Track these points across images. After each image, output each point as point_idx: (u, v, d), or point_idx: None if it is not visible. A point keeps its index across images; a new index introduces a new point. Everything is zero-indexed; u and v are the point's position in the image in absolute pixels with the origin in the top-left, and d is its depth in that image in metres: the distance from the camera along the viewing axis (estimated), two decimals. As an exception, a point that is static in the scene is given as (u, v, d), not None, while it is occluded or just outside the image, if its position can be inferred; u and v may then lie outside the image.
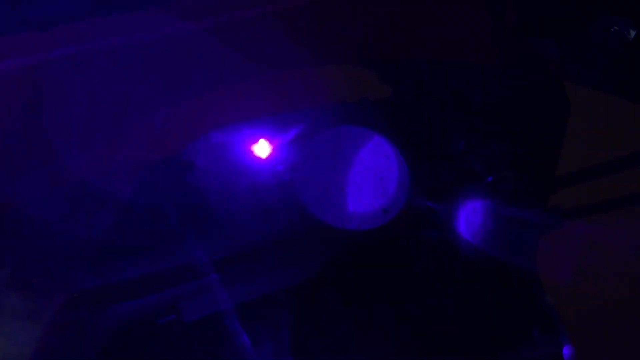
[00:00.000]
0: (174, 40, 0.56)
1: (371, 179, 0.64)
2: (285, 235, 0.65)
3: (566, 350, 0.63)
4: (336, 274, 0.65)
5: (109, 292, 0.63)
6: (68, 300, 0.62)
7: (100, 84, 0.55)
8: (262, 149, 0.63)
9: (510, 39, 0.62)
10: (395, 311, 0.64)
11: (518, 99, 0.65)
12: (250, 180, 0.64)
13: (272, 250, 0.66)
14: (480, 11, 0.61)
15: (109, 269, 0.62)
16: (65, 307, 0.62)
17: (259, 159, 0.63)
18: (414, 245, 0.67)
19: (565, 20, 0.60)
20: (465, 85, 0.65)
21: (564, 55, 0.62)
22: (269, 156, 0.63)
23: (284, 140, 0.63)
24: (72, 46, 0.53)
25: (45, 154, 0.57)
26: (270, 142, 0.63)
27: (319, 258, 0.66)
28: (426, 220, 0.67)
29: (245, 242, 0.65)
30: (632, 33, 0.57)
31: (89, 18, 0.54)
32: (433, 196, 0.66)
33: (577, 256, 0.66)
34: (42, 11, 0.53)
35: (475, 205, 0.66)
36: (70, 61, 0.54)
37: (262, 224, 0.65)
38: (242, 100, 0.61)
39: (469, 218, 0.66)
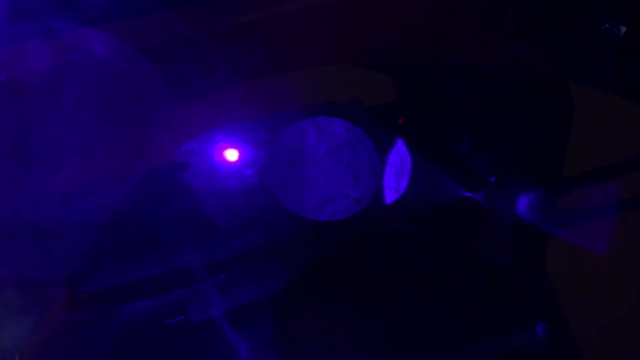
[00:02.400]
0: (168, 46, 0.58)
1: (341, 168, 0.65)
2: (280, 235, 0.66)
3: (540, 329, 0.62)
4: (322, 272, 0.65)
5: (117, 294, 0.63)
6: (76, 301, 0.62)
7: (92, 91, 0.57)
8: (238, 154, 0.64)
9: (509, 40, 0.64)
10: (372, 306, 0.63)
11: (520, 99, 0.67)
12: (231, 184, 0.65)
13: (273, 251, 0.66)
14: (478, 13, 0.63)
15: (117, 271, 0.63)
16: (72, 308, 0.62)
17: (235, 165, 0.65)
18: (393, 240, 0.68)
19: (556, 19, 0.62)
20: (468, 86, 0.67)
21: (557, 55, 0.64)
22: (246, 161, 0.65)
23: (260, 144, 0.65)
24: (65, 55, 0.56)
25: (43, 157, 0.58)
26: (247, 147, 0.64)
27: (304, 255, 0.66)
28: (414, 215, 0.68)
29: (245, 243, 0.65)
30: (622, 30, 0.60)
31: (79, 28, 0.56)
32: (436, 193, 0.67)
33: (583, 256, 0.66)
34: (37, 22, 0.55)
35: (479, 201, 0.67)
36: (63, 70, 0.56)
37: (248, 225, 0.66)
38: (233, 103, 0.63)
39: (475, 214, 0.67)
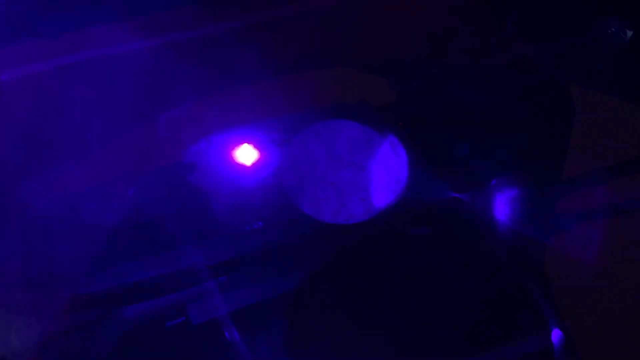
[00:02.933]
0: (172, 46, 0.57)
1: (357, 172, 0.64)
2: (281, 237, 0.66)
3: (555, 336, 0.62)
4: (332, 274, 0.66)
5: (117, 295, 0.63)
6: (77, 302, 0.62)
7: (102, 90, 0.57)
8: (247, 154, 0.64)
9: (512, 42, 0.63)
10: (387, 307, 0.64)
11: (521, 103, 0.66)
12: (239, 185, 0.65)
13: (274, 253, 0.66)
14: (482, 15, 0.62)
15: (117, 272, 0.63)
16: (74, 309, 0.63)
17: (244, 165, 0.64)
18: (405, 242, 0.68)
19: (562, 22, 0.61)
20: (468, 88, 0.66)
21: (562, 58, 0.63)
22: (255, 162, 0.64)
23: (269, 144, 0.64)
24: (74, 54, 0.55)
25: (50, 158, 0.58)
26: (256, 147, 0.64)
27: (316, 257, 0.66)
28: (420, 218, 0.67)
29: (246, 245, 0.65)
30: (629, 34, 0.59)
31: (89, 26, 0.55)
32: (434, 195, 0.66)
33: (581, 259, 0.67)
34: (46, 20, 0.55)
35: (479, 205, 0.67)
36: (73, 68, 0.55)
37: (259, 226, 0.65)
38: (242, 104, 0.63)
39: (472, 217, 0.67)
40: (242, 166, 0.65)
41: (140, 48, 0.55)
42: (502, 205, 0.68)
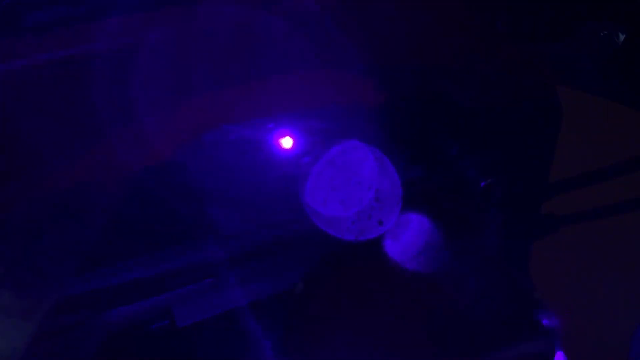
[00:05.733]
0: (168, 43, 0.56)
1: (364, 191, 0.64)
2: (286, 236, 0.65)
3: (558, 358, 0.63)
4: (327, 277, 0.65)
5: (102, 297, 0.62)
6: (60, 304, 0.62)
7: (98, 86, 0.55)
8: (286, 142, 0.63)
9: (501, 44, 0.62)
10: (384, 308, 0.64)
11: (510, 104, 0.66)
12: (229, 186, 0.64)
13: (268, 254, 0.66)
14: (472, 17, 0.62)
15: (102, 273, 0.62)
16: (57, 311, 0.62)
17: (284, 150, 0.63)
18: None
19: (555, 24, 0.60)
20: (457, 90, 0.65)
21: (554, 60, 0.63)
22: (292, 149, 0.63)
23: (306, 135, 0.63)
24: (64, 50, 0.53)
25: (38, 157, 0.57)
26: (294, 136, 0.63)
27: (313, 262, 0.66)
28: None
29: (236, 246, 0.65)
30: (621, 37, 0.58)
31: (81, 22, 0.54)
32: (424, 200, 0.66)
33: (570, 261, 0.67)
34: (34, 16, 0.53)
35: (465, 209, 0.67)
36: (65, 64, 0.54)
37: (262, 222, 0.65)
38: (238, 103, 0.62)
39: (460, 222, 0.67)
40: (234, 166, 0.64)
41: (134, 43, 0.54)
42: (489, 208, 0.67)
